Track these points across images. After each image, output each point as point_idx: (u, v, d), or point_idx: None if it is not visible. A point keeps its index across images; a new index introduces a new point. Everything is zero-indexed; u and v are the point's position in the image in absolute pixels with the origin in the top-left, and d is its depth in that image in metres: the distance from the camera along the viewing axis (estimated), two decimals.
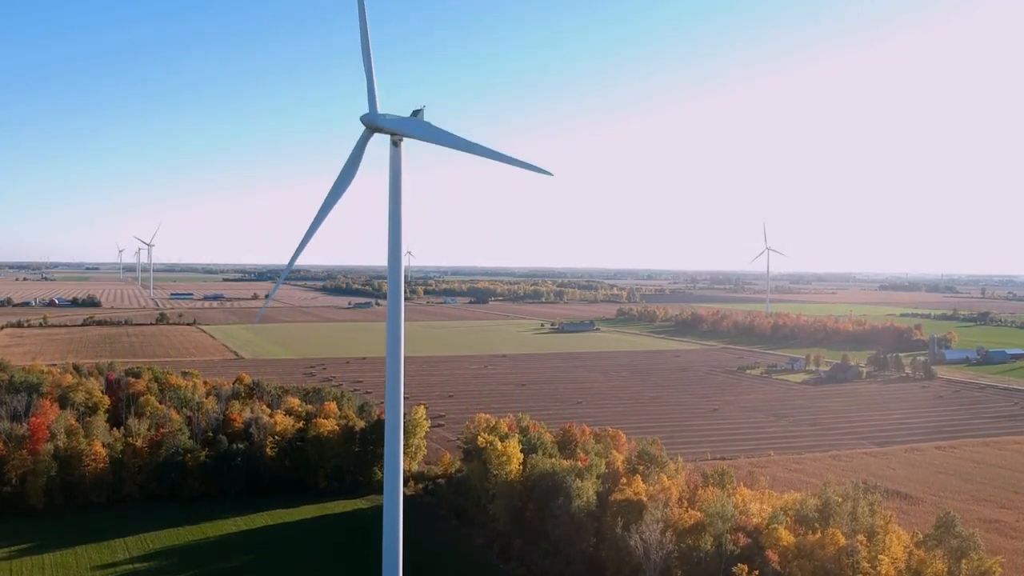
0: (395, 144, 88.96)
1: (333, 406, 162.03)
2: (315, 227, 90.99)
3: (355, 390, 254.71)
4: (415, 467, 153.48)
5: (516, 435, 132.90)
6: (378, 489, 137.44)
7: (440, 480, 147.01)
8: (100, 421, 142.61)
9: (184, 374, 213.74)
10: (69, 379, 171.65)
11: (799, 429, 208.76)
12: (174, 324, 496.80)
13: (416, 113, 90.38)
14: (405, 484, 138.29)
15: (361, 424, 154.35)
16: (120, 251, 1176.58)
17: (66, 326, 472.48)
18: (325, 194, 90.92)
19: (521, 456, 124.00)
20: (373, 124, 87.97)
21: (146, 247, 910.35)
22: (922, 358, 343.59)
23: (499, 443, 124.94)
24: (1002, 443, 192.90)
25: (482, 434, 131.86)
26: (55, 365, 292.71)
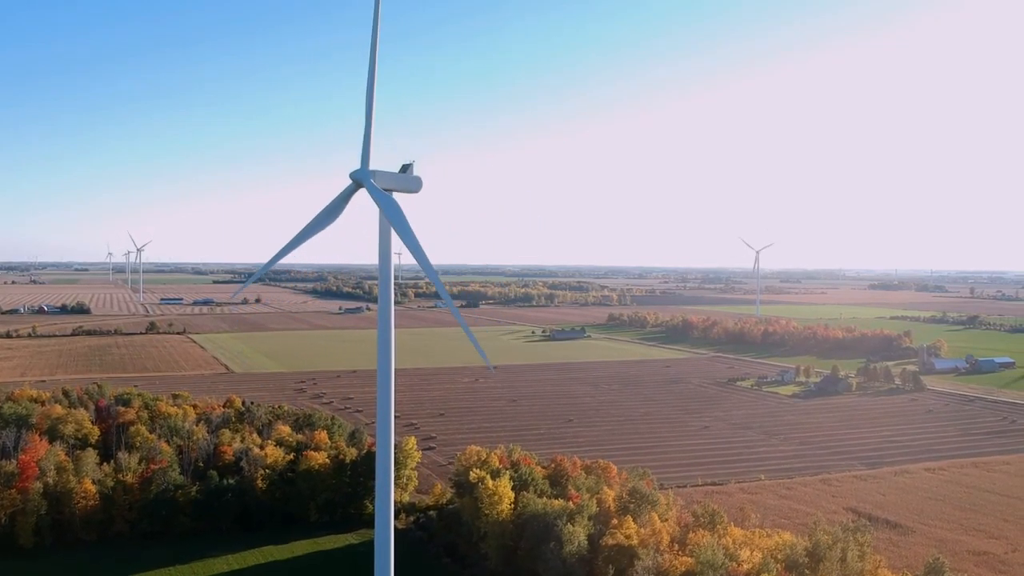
0: None
1: (324, 435, 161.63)
2: (277, 259, 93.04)
3: (346, 407, 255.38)
4: (406, 498, 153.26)
5: (507, 471, 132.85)
6: (369, 522, 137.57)
7: (431, 512, 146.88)
8: (90, 457, 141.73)
9: (175, 397, 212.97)
10: (59, 410, 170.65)
11: (789, 448, 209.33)
12: (164, 333, 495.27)
13: (405, 168, 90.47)
14: (396, 516, 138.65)
15: (352, 454, 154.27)
16: (109, 253, 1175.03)
17: (55, 336, 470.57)
18: (305, 220, 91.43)
19: (512, 495, 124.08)
20: (361, 182, 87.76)
21: (135, 251, 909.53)
22: (912, 368, 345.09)
23: (490, 481, 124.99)
24: (991, 464, 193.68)
25: (474, 470, 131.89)
26: (44, 382, 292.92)
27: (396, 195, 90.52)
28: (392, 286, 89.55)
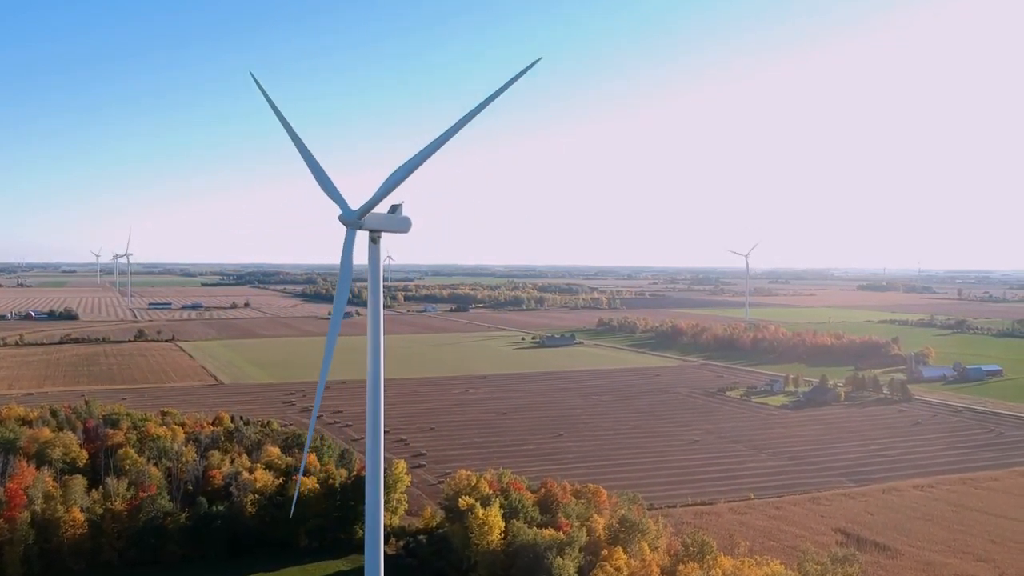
0: (374, 241, 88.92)
1: (313, 458, 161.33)
2: (333, 338, 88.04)
3: (335, 421, 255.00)
4: (396, 521, 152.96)
5: (497, 498, 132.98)
6: (359, 548, 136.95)
7: (421, 537, 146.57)
8: (79, 483, 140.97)
9: (163, 414, 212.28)
10: (47, 433, 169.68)
11: (778, 464, 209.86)
12: (152, 341, 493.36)
13: (394, 208, 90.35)
14: (386, 541, 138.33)
15: (342, 475, 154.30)
16: (97, 256, 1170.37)
17: (43, 344, 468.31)
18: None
19: (502, 524, 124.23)
20: (352, 223, 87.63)
21: (124, 255, 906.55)
22: (900, 376, 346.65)
23: (480, 510, 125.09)
24: (979, 480, 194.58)
25: (463, 497, 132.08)
26: (31, 395, 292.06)
27: (385, 235, 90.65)
28: (382, 343, 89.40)
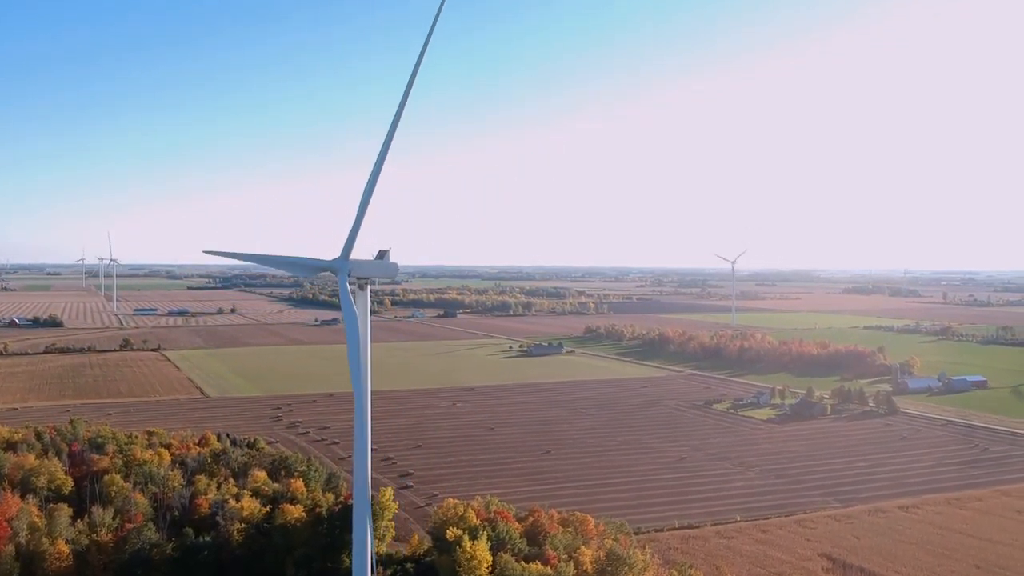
0: (361, 288, 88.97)
1: (300, 484, 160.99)
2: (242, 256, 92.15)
3: (322, 438, 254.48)
4: (383, 549, 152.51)
5: (485, 529, 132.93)
6: None
7: (409, 565, 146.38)
8: (64, 513, 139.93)
9: (149, 434, 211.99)
10: (32, 460, 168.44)
11: (765, 483, 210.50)
12: (138, 350, 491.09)
13: (382, 254, 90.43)
14: (373, 571, 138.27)
15: (329, 500, 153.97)
16: (82, 258, 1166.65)
17: (27, 354, 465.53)
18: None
19: (490, 558, 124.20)
20: (340, 270, 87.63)
21: (110, 259, 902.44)
22: (886, 388, 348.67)
23: (468, 543, 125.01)
24: (963, 500, 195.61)
25: (451, 528, 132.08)
26: (16, 409, 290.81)
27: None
28: (368, 372, 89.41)
